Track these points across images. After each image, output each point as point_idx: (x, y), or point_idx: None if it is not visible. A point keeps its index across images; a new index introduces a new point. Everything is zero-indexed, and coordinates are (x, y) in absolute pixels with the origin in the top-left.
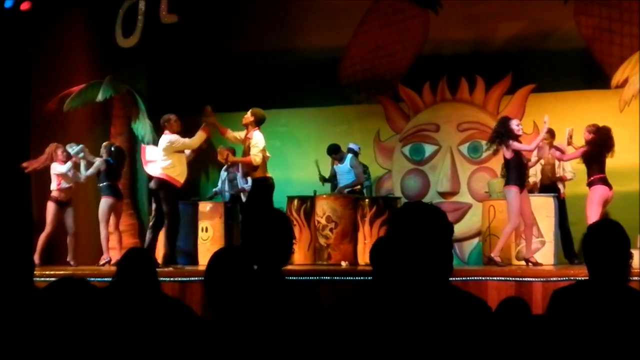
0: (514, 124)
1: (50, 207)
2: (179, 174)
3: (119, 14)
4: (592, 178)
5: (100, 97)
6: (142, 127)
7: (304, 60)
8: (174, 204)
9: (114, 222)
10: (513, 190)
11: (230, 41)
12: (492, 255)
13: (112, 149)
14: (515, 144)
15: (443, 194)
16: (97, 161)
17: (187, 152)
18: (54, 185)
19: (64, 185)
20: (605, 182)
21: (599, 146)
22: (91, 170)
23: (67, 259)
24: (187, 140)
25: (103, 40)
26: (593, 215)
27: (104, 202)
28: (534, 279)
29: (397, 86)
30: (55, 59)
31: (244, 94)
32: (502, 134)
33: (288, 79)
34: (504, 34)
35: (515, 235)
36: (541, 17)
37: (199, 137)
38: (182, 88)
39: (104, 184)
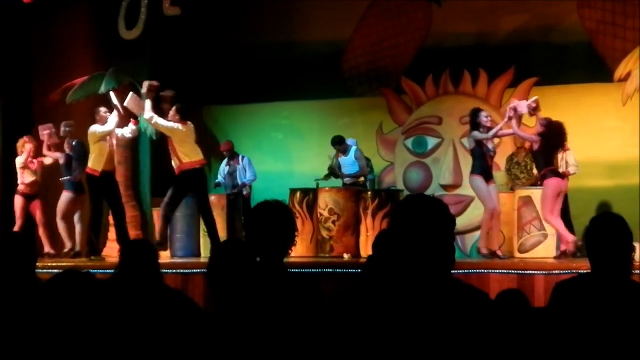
0: (483, 116)
1: (18, 200)
2: (97, 164)
3: (122, 5)
4: (543, 171)
5: (103, 89)
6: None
7: (307, 52)
8: (95, 197)
9: (75, 214)
10: (477, 178)
11: (233, 33)
12: (481, 249)
13: (73, 143)
14: (476, 134)
15: (445, 187)
16: (58, 154)
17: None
18: (19, 179)
19: (27, 179)
20: (556, 173)
21: (548, 140)
22: (49, 159)
23: (45, 251)
24: (102, 127)
25: (106, 32)
26: (548, 209)
27: (64, 196)
28: (535, 272)
29: (399, 79)
30: (58, 51)
31: (247, 86)
32: (473, 124)
33: (291, 72)
34: (507, 26)
35: (518, 228)
36: (544, 10)
37: (113, 118)
38: (185, 80)
39: (65, 178)
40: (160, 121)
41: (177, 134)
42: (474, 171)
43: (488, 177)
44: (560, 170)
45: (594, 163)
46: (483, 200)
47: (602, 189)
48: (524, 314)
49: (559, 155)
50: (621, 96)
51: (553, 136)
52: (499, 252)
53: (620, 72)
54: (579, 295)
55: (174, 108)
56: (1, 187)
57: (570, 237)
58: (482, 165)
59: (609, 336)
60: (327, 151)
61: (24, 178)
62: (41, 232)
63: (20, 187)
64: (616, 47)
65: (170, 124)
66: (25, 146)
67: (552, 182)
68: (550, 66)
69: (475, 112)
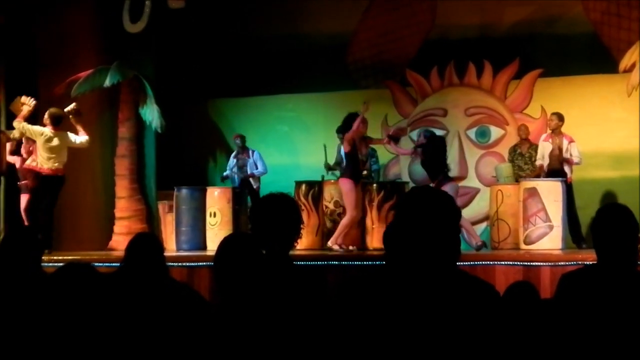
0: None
1: None
2: None
3: None
4: (438, 179)
5: (107, 82)
6: (150, 112)
7: (312, 45)
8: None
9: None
10: (347, 183)
11: (238, 26)
12: (330, 243)
13: None
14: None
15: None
16: (17, 157)
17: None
18: None
19: None
20: (449, 178)
21: (430, 152)
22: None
23: None
24: None
25: (110, 25)
26: None
27: (24, 198)
28: (541, 264)
29: (404, 71)
30: (63, 45)
31: (252, 79)
32: (345, 128)
33: (296, 64)
34: (512, 18)
35: (523, 220)
36: (549, 1)
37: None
38: (190, 73)
39: (23, 182)
40: (29, 126)
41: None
42: (344, 175)
43: (357, 181)
44: (564, 157)
45: (599, 154)
46: (347, 205)
47: (607, 180)
48: (533, 306)
49: (564, 147)
50: (626, 87)
51: (435, 151)
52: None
53: (625, 63)
54: (585, 286)
55: (47, 113)
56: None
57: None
58: (354, 170)
59: (615, 327)
60: (333, 143)
61: None
62: None
63: None
64: (621, 38)
65: (39, 128)
66: None
67: (449, 187)
68: (555, 58)
69: (351, 116)
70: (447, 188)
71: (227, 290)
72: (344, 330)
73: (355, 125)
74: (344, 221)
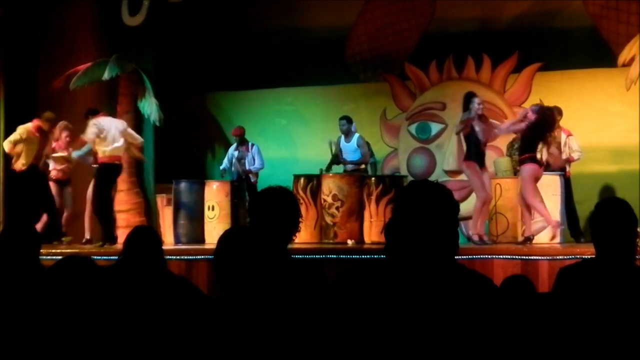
0: (476, 102)
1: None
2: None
3: None
4: (524, 156)
5: (106, 75)
6: (149, 105)
7: (311, 38)
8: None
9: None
10: (471, 165)
11: (237, 19)
12: (471, 231)
13: None
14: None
15: (449, 173)
16: (86, 146)
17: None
18: (51, 165)
19: (58, 166)
20: (535, 160)
21: (539, 128)
22: (80, 152)
23: (62, 237)
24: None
25: (109, 18)
26: (528, 192)
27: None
28: (540, 258)
29: (403, 64)
30: (62, 38)
31: (251, 72)
32: (465, 108)
33: (295, 58)
34: (511, 12)
35: (522, 214)
36: None
37: None
38: (188, 66)
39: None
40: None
41: None
42: (468, 158)
43: (481, 163)
44: (564, 156)
45: (598, 148)
46: (475, 189)
47: (606, 174)
48: (529, 300)
49: (562, 141)
50: (625, 81)
51: (545, 124)
52: (484, 238)
53: (624, 57)
54: (583, 280)
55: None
56: (4, 175)
57: (553, 221)
58: (477, 152)
59: (613, 321)
60: (331, 137)
61: (56, 165)
62: (65, 217)
63: (53, 174)
64: (620, 32)
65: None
66: (62, 133)
67: (528, 167)
68: (554, 51)
69: (468, 97)
70: (526, 168)
71: (227, 283)
72: (343, 323)
73: (487, 126)
74: (476, 206)
